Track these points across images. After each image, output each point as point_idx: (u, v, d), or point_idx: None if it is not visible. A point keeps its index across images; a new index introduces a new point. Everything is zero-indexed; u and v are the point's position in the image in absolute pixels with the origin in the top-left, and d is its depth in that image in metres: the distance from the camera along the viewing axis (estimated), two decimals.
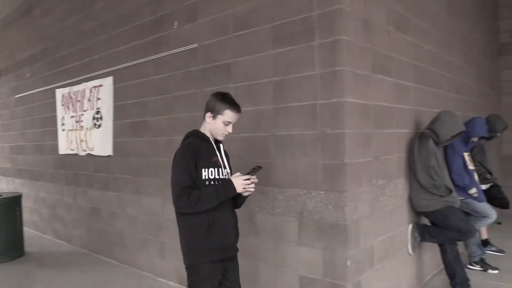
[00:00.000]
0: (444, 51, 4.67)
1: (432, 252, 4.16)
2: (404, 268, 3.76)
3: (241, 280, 2.59)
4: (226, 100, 2.42)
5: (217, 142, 2.51)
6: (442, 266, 3.86)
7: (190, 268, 2.36)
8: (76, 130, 5.89)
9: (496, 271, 4.37)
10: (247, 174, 2.36)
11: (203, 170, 2.32)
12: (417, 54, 3.99)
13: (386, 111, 3.48)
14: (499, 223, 6.31)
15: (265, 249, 3.41)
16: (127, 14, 4.84)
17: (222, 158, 2.48)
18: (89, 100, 5.59)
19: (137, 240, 4.78)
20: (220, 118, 2.41)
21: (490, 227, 5.39)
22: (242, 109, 3.57)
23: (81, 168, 5.82)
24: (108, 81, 5.19)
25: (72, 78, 5.90)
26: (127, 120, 4.91)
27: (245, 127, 3.51)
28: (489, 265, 4.44)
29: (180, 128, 4.15)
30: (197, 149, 2.35)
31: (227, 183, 2.32)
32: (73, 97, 5.91)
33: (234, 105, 2.44)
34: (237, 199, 2.48)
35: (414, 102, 3.96)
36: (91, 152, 5.57)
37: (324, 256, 3.02)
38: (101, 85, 5.34)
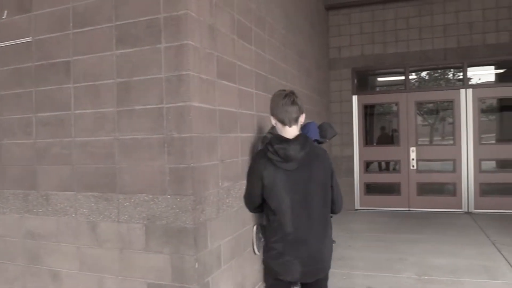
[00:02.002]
0: (281, 61, 5.08)
1: None
2: (250, 266, 3.96)
3: None
4: None
5: None
6: None
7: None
8: None
9: None
10: None
11: None
12: (258, 62, 4.26)
13: (231, 116, 3.63)
14: (330, 217, 7.12)
15: (110, 260, 3.23)
16: None
17: None
18: None
19: None
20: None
21: None
22: (83, 111, 3.39)
23: None
24: None
25: None
26: None
27: (86, 130, 3.29)
28: None
29: (10, 130, 3.67)
30: None
31: None
32: None
33: None
34: None
35: (256, 108, 4.22)
36: None
37: (173, 260, 3.00)
38: None
